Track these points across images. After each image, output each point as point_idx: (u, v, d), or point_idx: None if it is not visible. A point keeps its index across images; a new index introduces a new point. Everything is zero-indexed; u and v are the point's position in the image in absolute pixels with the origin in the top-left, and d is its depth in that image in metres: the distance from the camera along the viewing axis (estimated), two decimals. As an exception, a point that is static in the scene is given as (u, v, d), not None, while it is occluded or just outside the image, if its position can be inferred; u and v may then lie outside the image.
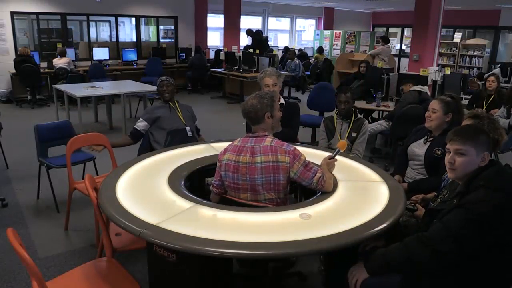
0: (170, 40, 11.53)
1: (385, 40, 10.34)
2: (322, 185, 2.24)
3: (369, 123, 5.37)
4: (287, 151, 2.20)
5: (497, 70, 9.55)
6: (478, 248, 1.64)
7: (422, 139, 3.00)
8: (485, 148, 1.78)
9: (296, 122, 3.55)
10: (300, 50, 13.39)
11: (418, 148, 2.99)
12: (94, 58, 9.65)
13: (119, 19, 10.71)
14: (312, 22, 16.49)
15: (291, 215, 2.03)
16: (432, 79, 6.78)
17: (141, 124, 3.55)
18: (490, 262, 1.68)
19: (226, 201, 2.29)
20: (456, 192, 1.84)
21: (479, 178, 1.73)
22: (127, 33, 11.28)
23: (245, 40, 11.70)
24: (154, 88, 6.94)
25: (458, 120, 2.90)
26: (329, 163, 2.36)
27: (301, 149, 2.44)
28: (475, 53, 13.38)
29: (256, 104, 2.24)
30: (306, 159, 2.26)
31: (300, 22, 16.31)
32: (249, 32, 10.94)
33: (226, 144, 2.39)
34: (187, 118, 3.67)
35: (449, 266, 1.70)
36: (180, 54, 11.02)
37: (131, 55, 10.25)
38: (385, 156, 5.64)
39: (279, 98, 3.40)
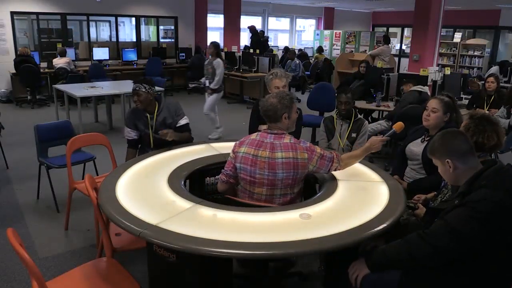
0: (170, 40, 11.52)
1: (386, 40, 10.33)
2: (338, 168, 2.42)
3: (369, 123, 5.37)
4: (304, 148, 2.31)
5: (495, 69, 9.40)
6: (478, 246, 1.65)
7: (420, 139, 3.01)
8: (447, 155, 1.82)
9: (297, 125, 3.52)
10: (300, 50, 13.37)
11: (416, 147, 3.00)
12: (94, 58, 9.64)
13: (119, 19, 10.70)
14: (312, 22, 16.48)
15: (291, 215, 2.04)
16: (432, 79, 6.77)
17: (131, 134, 3.37)
18: (490, 260, 1.69)
19: (226, 201, 2.29)
20: (458, 193, 1.85)
21: (480, 179, 1.74)
22: (127, 33, 11.27)
23: (245, 40, 11.69)
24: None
25: (456, 119, 2.93)
26: (378, 140, 2.48)
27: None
28: (475, 53, 13.37)
29: (276, 104, 2.30)
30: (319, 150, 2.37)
31: (300, 22, 16.30)
32: (252, 28, 10.88)
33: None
34: (164, 119, 3.29)
35: (448, 263, 1.71)
36: (180, 54, 11.00)
37: (131, 55, 10.23)
38: (385, 156, 5.64)
39: None
